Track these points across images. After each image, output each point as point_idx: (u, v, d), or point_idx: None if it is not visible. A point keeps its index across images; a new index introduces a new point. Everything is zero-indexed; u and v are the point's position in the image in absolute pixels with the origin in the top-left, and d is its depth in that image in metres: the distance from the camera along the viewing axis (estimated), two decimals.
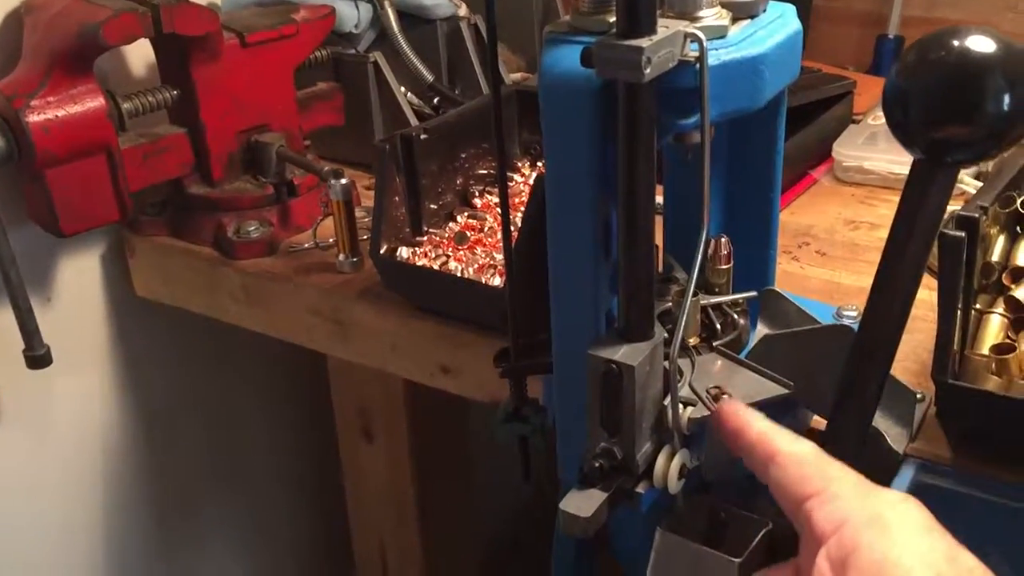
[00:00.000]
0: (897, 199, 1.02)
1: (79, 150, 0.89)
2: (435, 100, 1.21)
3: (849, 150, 1.07)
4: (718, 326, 0.65)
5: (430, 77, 1.17)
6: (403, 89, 1.17)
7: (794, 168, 1.06)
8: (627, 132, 0.52)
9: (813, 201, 1.04)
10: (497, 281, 0.83)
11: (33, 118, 0.86)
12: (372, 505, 1.25)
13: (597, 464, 0.57)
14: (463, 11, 1.25)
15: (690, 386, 0.60)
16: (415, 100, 1.20)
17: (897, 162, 1.05)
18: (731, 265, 0.66)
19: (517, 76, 1.26)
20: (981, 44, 0.49)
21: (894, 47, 1.26)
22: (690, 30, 0.51)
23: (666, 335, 0.58)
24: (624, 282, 0.56)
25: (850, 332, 0.61)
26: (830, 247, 0.94)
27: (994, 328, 0.69)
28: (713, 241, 0.66)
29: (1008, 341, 0.67)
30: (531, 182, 1.00)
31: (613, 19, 0.56)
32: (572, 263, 0.58)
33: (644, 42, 0.49)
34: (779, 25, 0.58)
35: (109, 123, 0.91)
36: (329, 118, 1.11)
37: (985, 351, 0.67)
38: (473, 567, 1.36)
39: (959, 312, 0.65)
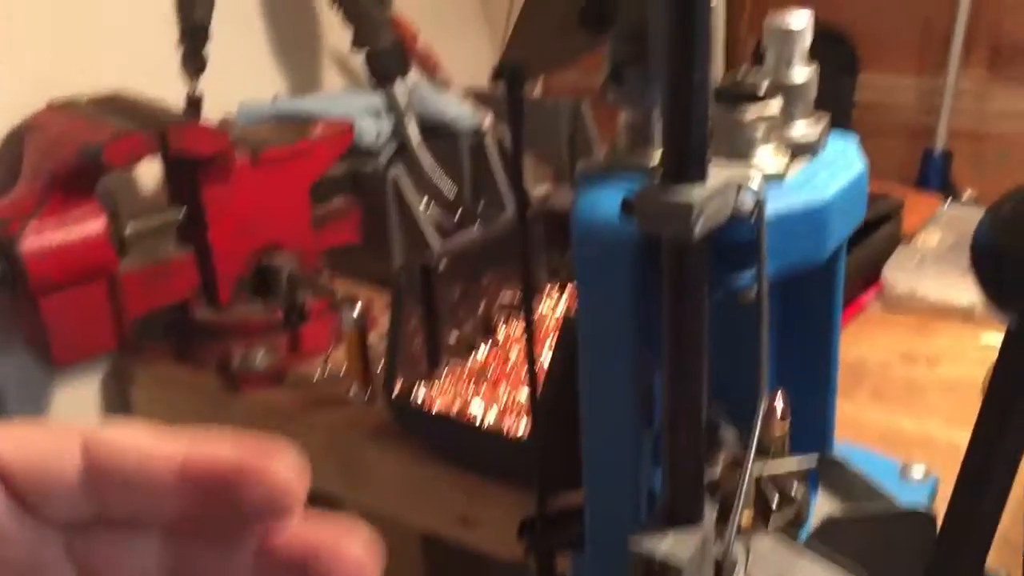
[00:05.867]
0: (955, 329, 0.96)
1: (77, 276, 0.84)
2: (457, 213, 1.16)
3: (900, 274, 1.00)
4: (774, 500, 0.57)
5: (452, 193, 1.11)
6: (425, 200, 1.11)
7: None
8: (673, 293, 0.45)
9: (862, 331, 0.96)
10: (523, 426, 0.76)
11: (29, 242, 0.80)
12: None
13: None
14: (487, 124, 1.20)
15: None
16: (437, 212, 1.15)
17: (953, 287, 0.97)
18: (788, 423, 0.59)
19: (543, 189, 1.20)
20: None
21: (942, 162, 1.19)
22: (745, 177, 0.45)
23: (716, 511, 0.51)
24: (669, 459, 0.48)
25: (931, 521, 0.53)
26: (886, 386, 0.86)
27: None
28: (767, 395, 0.59)
29: None
30: (558, 309, 0.93)
31: (656, 155, 0.50)
32: (609, 433, 0.51)
33: (694, 193, 0.42)
34: (842, 165, 0.51)
35: (110, 247, 0.85)
36: (345, 236, 1.06)
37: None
38: None
39: None
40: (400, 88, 1.08)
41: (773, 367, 0.62)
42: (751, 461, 0.49)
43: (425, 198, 1.11)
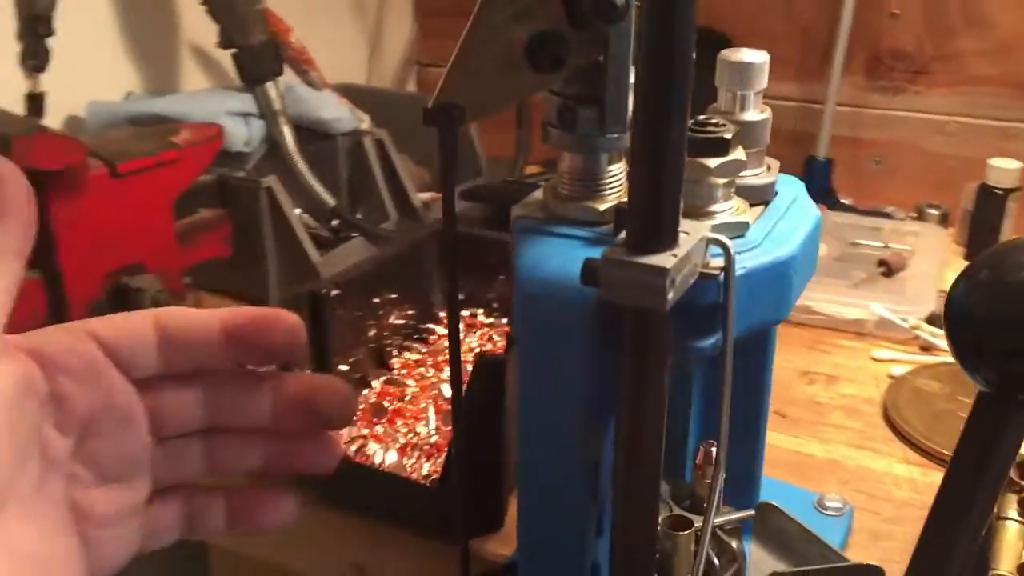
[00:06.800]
0: (847, 343, 0.96)
1: None
2: (332, 223, 1.09)
3: None
4: (715, 560, 0.53)
5: (332, 202, 1.04)
6: (298, 211, 1.03)
7: None
8: (634, 365, 0.40)
9: None
10: (426, 467, 0.70)
11: None
12: None
13: None
14: (366, 125, 1.13)
15: None
16: (311, 222, 1.07)
17: (845, 304, 0.97)
18: (723, 476, 0.55)
19: (426, 196, 1.14)
20: None
21: (824, 170, 1.20)
22: (714, 235, 0.41)
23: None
24: (619, 540, 0.44)
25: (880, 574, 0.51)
26: (789, 406, 0.85)
27: (1011, 537, 0.60)
28: (701, 448, 0.55)
29: None
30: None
31: (603, 207, 0.45)
32: (553, 510, 0.46)
33: (667, 259, 0.37)
34: (798, 212, 0.48)
35: None
36: (215, 250, 0.97)
37: (1008, 570, 0.57)
38: None
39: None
40: (273, 89, 1.00)
41: (702, 417, 0.59)
42: (709, 533, 0.45)
43: (300, 207, 1.04)
